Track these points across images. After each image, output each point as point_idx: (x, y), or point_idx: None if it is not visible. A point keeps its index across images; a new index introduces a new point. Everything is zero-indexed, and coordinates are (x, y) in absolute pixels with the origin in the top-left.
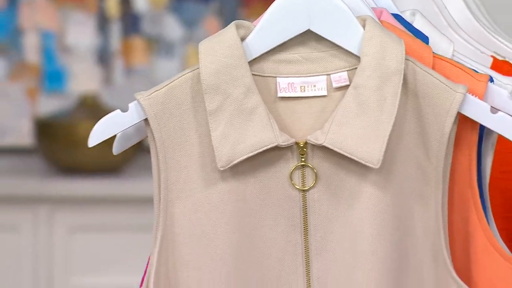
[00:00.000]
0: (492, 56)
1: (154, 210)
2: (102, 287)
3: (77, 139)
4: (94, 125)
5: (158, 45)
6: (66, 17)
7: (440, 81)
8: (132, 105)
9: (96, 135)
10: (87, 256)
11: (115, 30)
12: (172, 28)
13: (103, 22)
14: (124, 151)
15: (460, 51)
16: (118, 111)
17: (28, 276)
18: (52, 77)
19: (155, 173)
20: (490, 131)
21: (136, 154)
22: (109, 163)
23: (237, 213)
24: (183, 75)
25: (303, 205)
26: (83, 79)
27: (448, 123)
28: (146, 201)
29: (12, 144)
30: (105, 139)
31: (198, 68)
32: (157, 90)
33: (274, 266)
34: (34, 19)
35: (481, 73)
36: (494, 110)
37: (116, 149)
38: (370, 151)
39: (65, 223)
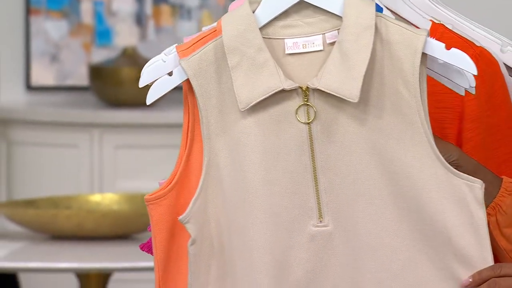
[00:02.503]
0: (431, 20)
1: (204, 144)
2: (138, 188)
3: (120, 80)
4: (133, 70)
5: (180, 11)
6: None
7: (407, 29)
8: (175, 70)
9: (152, 95)
10: (128, 166)
11: None
12: None
13: None
14: None
15: (408, 18)
16: (166, 76)
17: (85, 181)
18: (102, 34)
19: (197, 117)
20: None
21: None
22: (144, 98)
23: (259, 142)
24: (210, 43)
25: (309, 135)
26: (125, 36)
27: (417, 58)
28: (172, 127)
29: (73, 84)
30: (158, 97)
31: (220, 37)
32: (193, 56)
33: (290, 181)
34: None
35: (421, 29)
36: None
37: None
38: (350, 89)
39: (112, 142)
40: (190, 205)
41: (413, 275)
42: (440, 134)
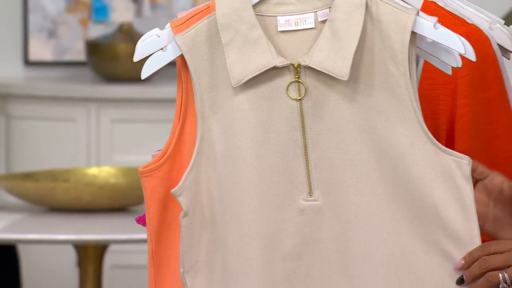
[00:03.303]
0: None
1: (197, 119)
2: (135, 161)
3: (117, 56)
4: (129, 45)
5: None
6: None
7: (397, 8)
8: (169, 46)
9: (146, 70)
10: (124, 140)
11: None
12: None
13: None
14: None
15: None
16: (160, 51)
17: (83, 154)
18: (99, 11)
19: (190, 93)
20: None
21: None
22: (139, 73)
23: (251, 118)
24: (204, 20)
25: (300, 111)
26: (121, 12)
27: (406, 37)
28: (167, 101)
29: (70, 59)
30: (153, 72)
31: (214, 14)
32: (187, 32)
33: (281, 156)
34: None
35: (411, 8)
36: (436, 25)
37: (144, 74)
38: (340, 67)
39: (109, 116)
40: (183, 178)
41: (401, 248)
42: (432, 111)
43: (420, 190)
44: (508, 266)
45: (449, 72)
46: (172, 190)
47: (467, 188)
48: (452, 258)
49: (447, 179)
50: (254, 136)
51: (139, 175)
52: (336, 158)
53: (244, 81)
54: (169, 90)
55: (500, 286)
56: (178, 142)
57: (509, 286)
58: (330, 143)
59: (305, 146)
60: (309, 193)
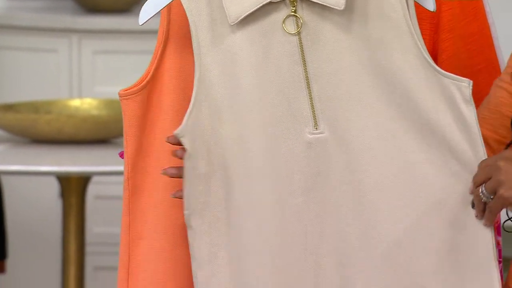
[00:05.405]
0: None
1: (195, 60)
2: (116, 93)
3: None
4: None
5: None
6: None
7: None
8: None
9: (144, 15)
10: (106, 71)
11: None
12: None
13: None
14: None
15: None
16: None
17: (64, 85)
18: None
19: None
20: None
21: None
22: (122, 4)
23: (250, 55)
24: None
25: (299, 45)
26: None
27: None
28: (148, 33)
29: None
30: (151, 16)
31: None
32: None
33: (284, 91)
34: None
35: None
36: None
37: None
38: None
39: (91, 47)
40: (185, 120)
41: (411, 174)
42: None
43: (425, 115)
44: (489, 179)
45: (431, 8)
46: (175, 132)
47: (468, 110)
48: (463, 180)
49: (449, 102)
50: (256, 73)
51: (120, 98)
52: (338, 90)
53: (241, 18)
54: (151, 21)
55: (482, 200)
56: (158, 67)
57: (490, 198)
58: (331, 75)
59: (307, 79)
60: (314, 126)
